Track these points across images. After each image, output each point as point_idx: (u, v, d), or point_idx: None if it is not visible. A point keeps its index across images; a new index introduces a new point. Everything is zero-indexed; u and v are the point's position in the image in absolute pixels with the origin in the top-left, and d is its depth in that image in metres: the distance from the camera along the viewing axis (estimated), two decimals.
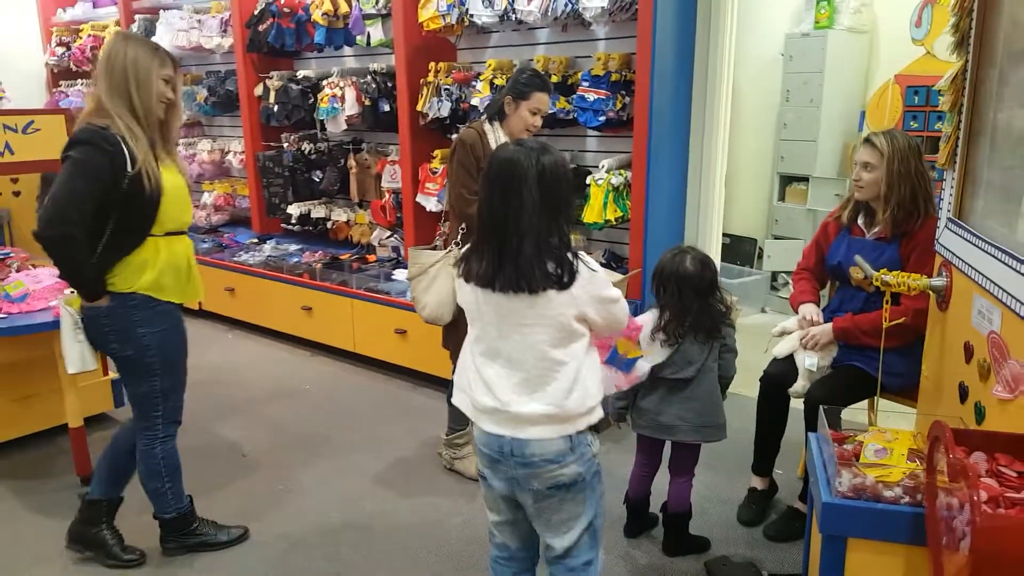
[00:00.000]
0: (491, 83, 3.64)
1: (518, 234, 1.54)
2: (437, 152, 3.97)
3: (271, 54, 4.76)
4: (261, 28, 4.59)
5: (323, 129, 4.62)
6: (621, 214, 3.45)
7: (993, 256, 1.72)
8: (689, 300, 2.26)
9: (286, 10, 4.50)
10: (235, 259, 4.88)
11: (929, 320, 2.24)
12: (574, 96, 3.46)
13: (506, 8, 3.56)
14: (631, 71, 3.43)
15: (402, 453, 3.20)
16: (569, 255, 1.57)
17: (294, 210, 4.82)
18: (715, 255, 3.75)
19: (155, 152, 2.17)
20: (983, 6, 1.95)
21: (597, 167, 3.48)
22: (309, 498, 2.86)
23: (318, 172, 4.70)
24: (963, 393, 1.89)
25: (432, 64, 3.91)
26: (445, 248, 2.85)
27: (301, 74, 4.63)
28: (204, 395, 3.73)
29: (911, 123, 4.15)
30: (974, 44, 1.97)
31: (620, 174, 3.45)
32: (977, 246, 1.84)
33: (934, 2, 4.00)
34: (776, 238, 4.81)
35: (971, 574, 1.26)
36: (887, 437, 1.85)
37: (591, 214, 3.45)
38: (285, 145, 4.81)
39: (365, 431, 3.43)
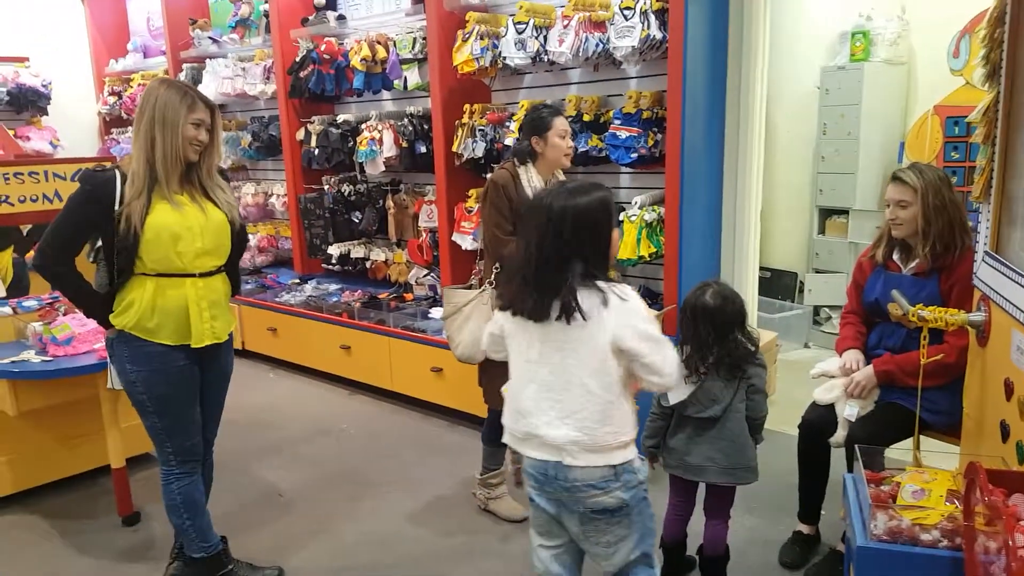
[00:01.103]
0: None
1: (548, 266, 1.64)
2: (472, 191, 4.04)
3: (312, 99, 4.92)
4: (302, 74, 4.76)
5: (362, 171, 4.75)
6: (655, 250, 3.45)
7: None
8: (707, 334, 2.23)
9: (326, 56, 4.67)
10: (277, 299, 5.00)
11: (969, 356, 2.17)
12: (606, 134, 3.50)
13: (538, 50, 3.64)
14: (663, 108, 3.46)
15: (438, 492, 3.20)
16: (599, 285, 1.64)
17: (334, 250, 4.93)
18: (751, 290, 3.71)
19: (168, 192, 2.21)
20: (1013, 38, 1.93)
21: (630, 203, 3.50)
22: (344, 537, 2.88)
23: (357, 213, 4.81)
24: (1004, 432, 1.82)
25: (467, 106, 4.00)
26: (480, 287, 2.88)
27: (341, 118, 4.77)
28: (244, 434, 3.81)
29: (952, 154, 4.07)
30: (1005, 75, 1.94)
31: (653, 210, 3.46)
32: (1015, 280, 1.79)
33: (972, 32, 3.94)
34: (817, 271, 4.73)
35: None
36: (925, 478, 1.79)
37: (624, 250, 3.45)
38: (326, 187, 4.94)
39: (401, 470, 3.44)
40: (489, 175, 3.05)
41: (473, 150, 3.92)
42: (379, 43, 4.41)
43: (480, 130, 3.92)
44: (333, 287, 5.05)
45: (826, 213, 4.75)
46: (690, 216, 3.37)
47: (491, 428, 2.93)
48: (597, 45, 3.45)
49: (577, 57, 3.51)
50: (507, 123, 3.86)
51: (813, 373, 2.61)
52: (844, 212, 4.62)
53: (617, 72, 3.69)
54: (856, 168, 4.45)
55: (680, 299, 3.40)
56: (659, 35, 3.29)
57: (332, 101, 5.09)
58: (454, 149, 4.03)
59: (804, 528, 2.60)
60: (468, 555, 2.72)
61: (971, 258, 2.26)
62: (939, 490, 1.71)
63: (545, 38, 3.65)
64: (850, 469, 2.24)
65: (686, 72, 3.22)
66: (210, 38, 5.63)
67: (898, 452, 2.35)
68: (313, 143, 4.85)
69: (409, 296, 4.59)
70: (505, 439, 1.81)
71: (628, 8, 3.33)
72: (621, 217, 3.48)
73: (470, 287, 2.95)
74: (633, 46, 3.31)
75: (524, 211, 1.76)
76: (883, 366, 2.41)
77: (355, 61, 4.47)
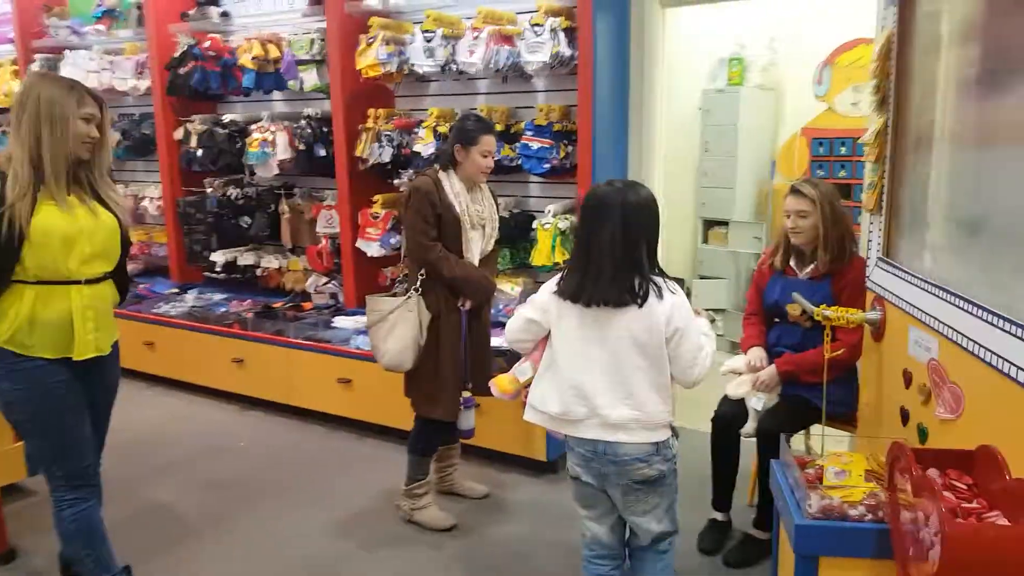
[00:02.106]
0: (434, 131, 3.71)
1: (603, 258, 1.84)
2: (378, 197, 3.98)
3: (192, 97, 4.65)
4: (183, 71, 4.49)
5: (252, 174, 4.54)
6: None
7: (928, 291, 1.91)
8: None
9: (211, 53, 4.43)
10: (154, 311, 4.65)
11: (865, 351, 2.44)
12: (518, 144, 3.58)
13: (447, 59, 3.67)
14: (571, 121, 3.59)
15: (357, 506, 3.12)
16: (654, 277, 1.88)
17: (219, 257, 4.66)
18: None
19: (56, 192, 2.05)
20: (900, 71, 2.19)
21: (543, 212, 3.60)
22: (264, 559, 2.74)
23: (246, 218, 4.58)
24: (904, 416, 2.07)
25: (372, 110, 3.95)
26: (404, 294, 2.86)
27: (227, 118, 4.54)
28: (130, 455, 3.53)
29: (817, 171, 4.51)
30: (894, 103, 2.19)
31: (566, 218, 3.58)
32: (910, 281, 2.04)
33: (832, 63, 4.40)
34: (702, 278, 5.07)
35: None
36: (844, 460, 1.98)
37: (540, 257, 3.55)
38: (209, 190, 4.67)
39: (314, 486, 3.32)
40: (409, 180, 3.04)
41: (380, 155, 3.87)
42: (271, 42, 4.26)
43: (387, 135, 3.88)
44: (219, 297, 4.78)
45: (708, 224, 5.11)
46: None
47: (419, 437, 2.91)
48: (508, 58, 3.53)
49: (488, 68, 3.58)
50: (416, 129, 3.85)
51: (722, 370, 2.81)
52: (724, 223, 5.00)
53: (525, 85, 3.79)
54: (735, 183, 4.83)
55: None
56: (568, 52, 3.42)
57: (215, 99, 4.84)
58: (358, 154, 3.96)
59: (718, 515, 2.80)
60: (401, 567, 2.68)
61: (858, 263, 2.53)
62: (858, 470, 1.91)
63: (454, 48, 3.69)
64: (765, 458, 2.44)
65: (595, 88, 3.38)
66: (69, 27, 5.18)
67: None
68: (194, 143, 4.58)
69: (308, 305, 4.43)
70: (540, 422, 2.00)
71: (538, 25, 3.44)
72: (535, 225, 3.58)
73: (394, 294, 2.93)
74: (544, 61, 3.42)
75: (592, 206, 1.89)
76: (784, 366, 2.64)
77: (245, 59, 4.29)
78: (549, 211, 3.60)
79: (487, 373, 2.91)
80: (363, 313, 3.01)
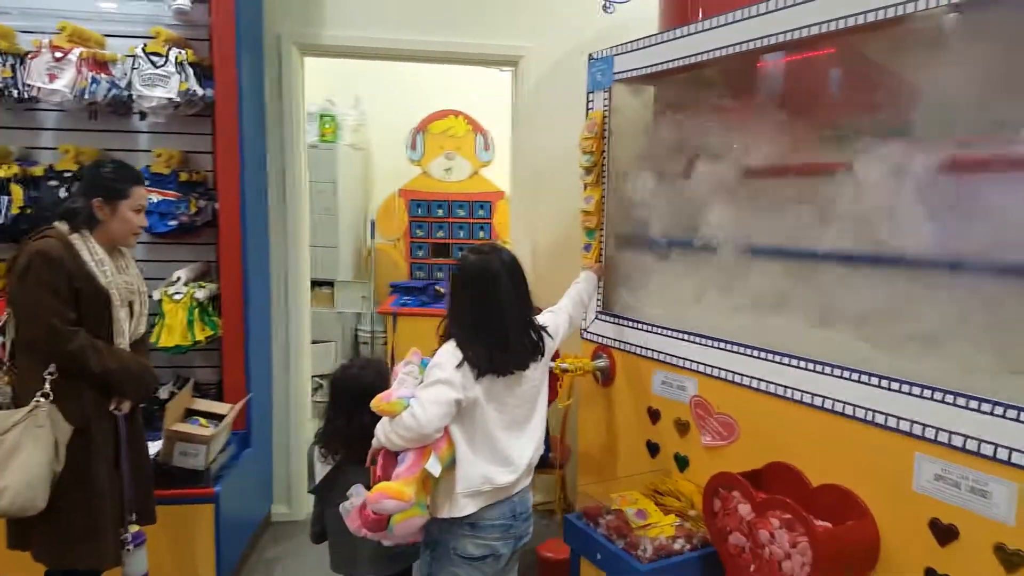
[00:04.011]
0: None
1: (505, 322, 1.85)
2: None
3: None
4: None
5: None
6: (211, 332, 2.94)
7: (674, 337, 2.20)
8: (334, 412, 2.18)
9: None
10: None
11: (583, 399, 2.64)
12: None
13: (5, 81, 2.72)
14: (194, 171, 3.02)
15: None
16: (538, 326, 1.96)
17: None
18: (306, 362, 3.55)
19: None
20: (611, 150, 2.48)
21: (168, 279, 2.91)
22: None
23: None
24: (654, 449, 2.31)
25: None
26: (24, 405, 2.00)
27: None
28: None
29: (417, 231, 4.75)
30: (608, 179, 2.47)
31: (201, 286, 2.96)
32: (647, 330, 2.31)
33: (424, 130, 4.71)
34: (314, 342, 4.75)
35: None
36: (629, 499, 2.11)
37: (172, 336, 2.84)
38: None
39: None
40: (23, 244, 2.13)
41: None
42: None
43: None
44: None
45: (314, 284, 4.84)
46: (256, 290, 3.04)
47: None
48: (110, 90, 2.80)
49: (79, 99, 2.77)
50: None
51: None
52: (330, 283, 4.81)
53: (119, 123, 3.03)
54: (338, 241, 4.70)
55: (250, 387, 3.04)
56: (200, 91, 2.89)
57: None
58: None
59: None
60: None
61: None
62: (650, 507, 2.05)
63: (14, 67, 2.76)
64: None
65: (243, 133, 2.93)
66: None
67: None
68: None
69: None
70: (480, 503, 1.86)
71: (157, 55, 2.83)
72: (158, 296, 2.86)
73: (10, 406, 2.03)
74: (169, 98, 2.82)
75: (475, 275, 1.88)
76: None
77: None
78: (179, 278, 2.93)
79: (153, 495, 2.30)
80: None
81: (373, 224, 4.82)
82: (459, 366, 1.81)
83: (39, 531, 2.05)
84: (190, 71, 2.88)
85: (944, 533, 1.50)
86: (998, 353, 1.50)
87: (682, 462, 2.21)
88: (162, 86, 2.84)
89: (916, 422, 1.54)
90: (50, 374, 2.04)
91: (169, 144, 3.02)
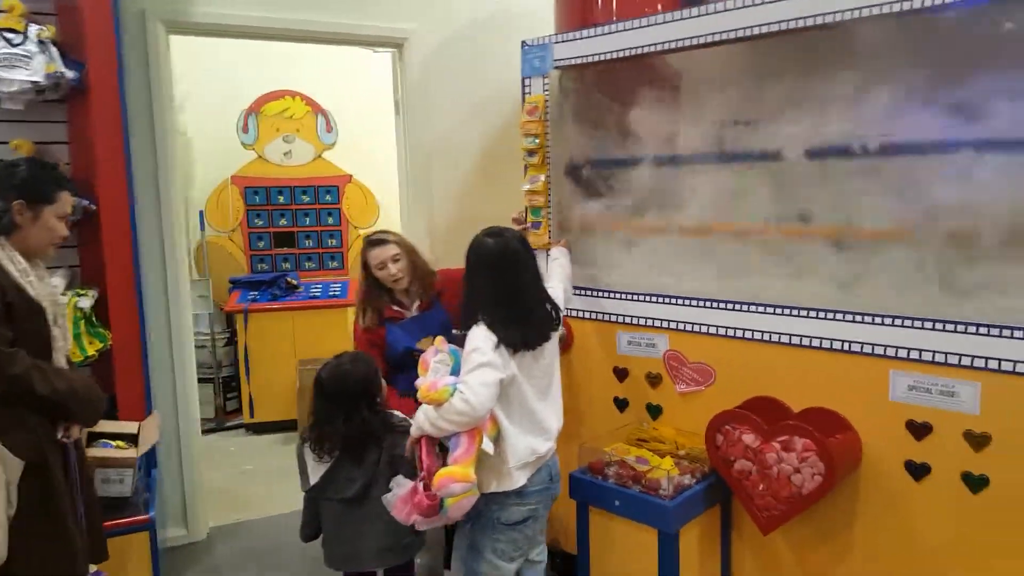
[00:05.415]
0: None
1: (528, 300, 2.02)
2: None
3: None
4: None
5: None
6: (101, 345, 2.54)
7: (644, 300, 2.43)
8: (327, 410, 2.15)
9: None
10: None
11: None
12: None
13: None
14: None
15: None
16: (551, 297, 2.13)
17: None
18: (194, 372, 3.17)
19: None
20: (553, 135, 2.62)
21: None
22: None
23: None
24: (622, 405, 2.54)
25: None
26: None
27: None
28: None
29: (256, 220, 4.41)
30: (552, 163, 2.61)
31: (84, 294, 2.54)
32: (608, 296, 2.51)
33: (258, 112, 4.38)
34: None
35: (828, 488, 1.94)
36: (622, 450, 2.31)
37: None
38: None
39: None
40: None
41: None
42: None
43: None
44: None
45: None
46: (150, 295, 2.67)
47: None
48: None
49: None
50: None
51: None
52: None
53: None
54: None
55: (151, 403, 2.70)
56: (71, 74, 2.46)
57: None
58: None
59: None
60: None
61: (448, 272, 2.68)
62: (643, 453, 2.26)
63: None
64: None
65: (127, 120, 2.56)
66: None
67: None
68: None
69: None
70: (527, 472, 2.02)
71: (14, 31, 2.37)
72: None
73: None
74: (34, 81, 2.38)
75: (497, 257, 1.99)
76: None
77: None
78: (56, 286, 2.49)
79: (103, 530, 2.12)
80: None
81: (202, 215, 4.37)
82: (496, 347, 1.91)
83: None
84: (54, 51, 2.45)
85: (919, 429, 1.92)
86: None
87: (655, 411, 2.47)
88: (23, 67, 2.39)
89: (889, 346, 1.95)
90: None
91: (20, 135, 2.53)
